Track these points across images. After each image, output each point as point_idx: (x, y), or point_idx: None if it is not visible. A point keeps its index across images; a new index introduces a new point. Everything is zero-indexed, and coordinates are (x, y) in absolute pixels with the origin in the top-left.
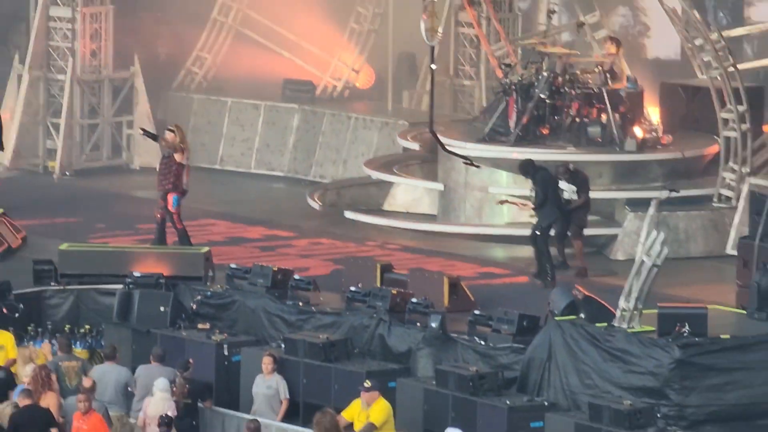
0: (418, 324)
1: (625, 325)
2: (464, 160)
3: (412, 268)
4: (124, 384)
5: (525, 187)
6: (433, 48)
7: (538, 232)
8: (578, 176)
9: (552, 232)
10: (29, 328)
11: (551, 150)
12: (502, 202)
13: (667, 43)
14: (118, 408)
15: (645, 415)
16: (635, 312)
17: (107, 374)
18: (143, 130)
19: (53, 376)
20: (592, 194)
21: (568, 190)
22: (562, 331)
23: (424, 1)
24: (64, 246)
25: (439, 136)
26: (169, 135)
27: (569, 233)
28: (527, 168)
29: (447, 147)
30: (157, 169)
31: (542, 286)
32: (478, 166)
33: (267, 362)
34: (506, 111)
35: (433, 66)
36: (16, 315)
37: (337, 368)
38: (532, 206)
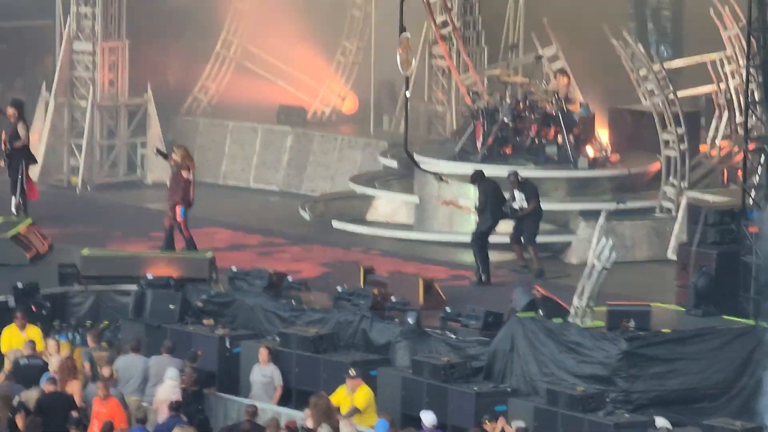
0: (397, 320)
1: (578, 321)
2: (435, 176)
3: (392, 271)
4: (147, 373)
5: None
6: (407, 78)
7: (475, 236)
8: (527, 186)
9: (491, 238)
10: (55, 323)
11: (513, 167)
12: (446, 203)
13: (615, 73)
14: (138, 393)
15: (596, 399)
16: (587, 309)
17: (133, 364)
18: (157, 149)
19: (79, 365)
20: (550, 206)
21: (518, 198)
22: (523, 326)
23: (399, 37)
24: (85, 251)
25: (414, 154)
26: (174, 154)
27: (523, 240)
28: (475, 177)
29: (420, 165)
30: (168, 184)
31: (475, 283)
32: (447, 182)
33: (263, 353)
34: (474, 133)
35: (407, 93)
36: (44, 312)
37: (326, 359)
38: (473, 211)
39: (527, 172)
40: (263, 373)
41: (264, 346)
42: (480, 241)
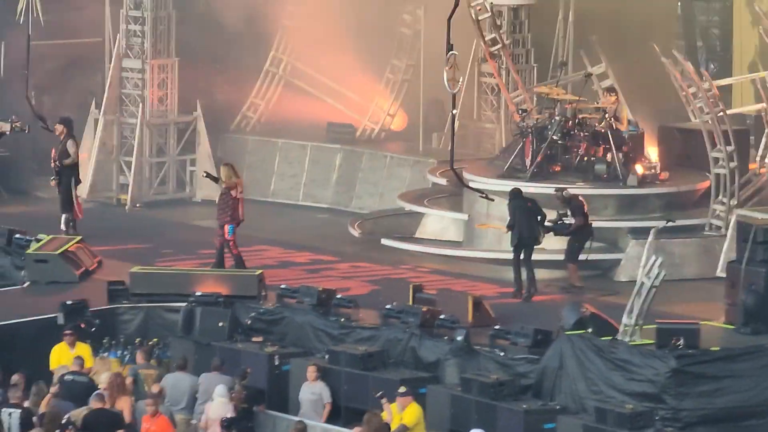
0: (446, 338)
1: (627, 339)
2: (480, 194)
3: (441, 288)
4: (195, 391)
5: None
6: (454, 96)
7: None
8: (572, 203)
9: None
10: (104, 341)
11: (562, 185)
12: (480, 226)
13: (664, 91)
14: (187, 411)
15: (644, 417)
16: (636, 327)
17: (181, 382)
18: (206, 173)
19: (127, 382)
20: (599, 224)
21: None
22: (572, 343)
23: (447, 55)
24: (134, 269)
25: (462, 172)
26: (222, 174)
27: (564, 256)
28: (510, 195)
29: (467, 183)
30: (217, 203)
31: (514, 296)
32: (492, 200)
33: (311, 371)
34: (523, 150)
35: (454, 111)
36: (93, 329)
37: (375, 376)
38: (506, 230)
39: (576, 189)
40: (312, 391)
41: (312, 363)
42: (514, 257)
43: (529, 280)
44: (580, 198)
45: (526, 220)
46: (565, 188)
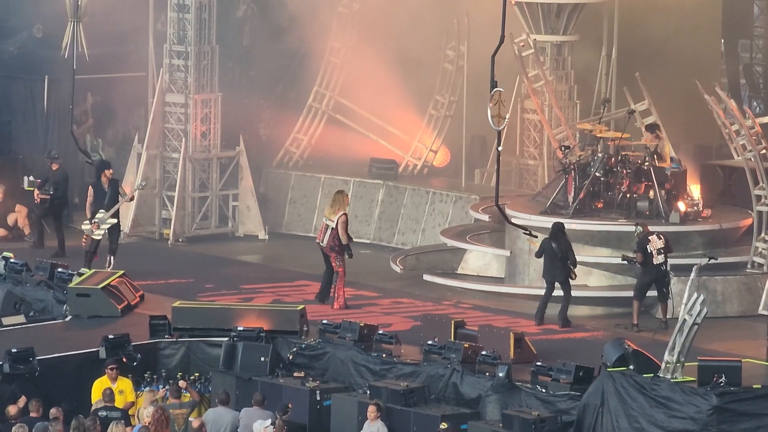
0: (487, 374)
1: (669, 376)
2: (524, 232)
3: (482, 324)
4: (236, 426)
5: (582, 254)
6: (499, 132)
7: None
8: (639, 238)
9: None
10: (146, 375)
11: (605, 222)
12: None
13: (707, 128)
14: None
15: None
16: (678, 364)
17: (222, 417)
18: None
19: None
20: None
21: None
22: (614, 380)
23: (491, 91)
24: (177, 303)
25: (505, 208)
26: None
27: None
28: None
29: (510, 219)
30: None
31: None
32: (535, 236)
33: (372, 410)
34: (566, 187)
35: (500, 148)
36: (135, 364)
37: (416, 412)
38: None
39: (618, 227)
40: (370, 430)
41: (374, 402)
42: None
43: (558, 313)
44: (653, 236)
45: (549, 261)
46: (642, 223)
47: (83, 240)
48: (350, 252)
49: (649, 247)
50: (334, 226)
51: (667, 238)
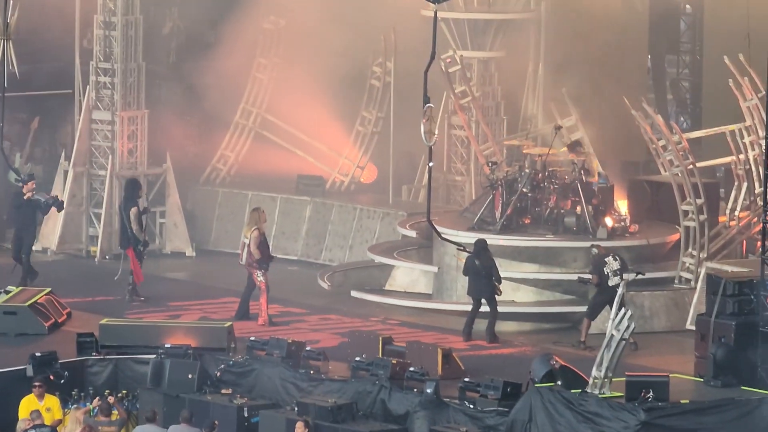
0: (415, 390)
1: (597, 391)
2: (457, 247)
3: (410, 340)
4: None
5: (510, 270)
6: (430, 148)
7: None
8: (594, 260)
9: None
10: (73, 392)
11: (532, 237)
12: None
13: (634, 144)
14: None
15: None
16: (606, 380)
17: None
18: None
19: None
20: (567, 276)
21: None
22: (542, 396)
23: (424, 107)
24: (104, 321)
25: (435, 225)
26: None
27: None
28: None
29: (442, 235)
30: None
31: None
32: (469, 252)
33: (299, 427)
34: (493, 203)
35: (431, 164)
36: (62, 381)
37: (344, 428)
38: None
39: (546, 242)
40: None
41: (302, 419)
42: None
43: (486, 329)
44: (609, 257)
45: (473, 278)
46: (597, 245)
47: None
48: (264, 265)
49: (606, 269)
50: (249, 243)
51: (623, 259)
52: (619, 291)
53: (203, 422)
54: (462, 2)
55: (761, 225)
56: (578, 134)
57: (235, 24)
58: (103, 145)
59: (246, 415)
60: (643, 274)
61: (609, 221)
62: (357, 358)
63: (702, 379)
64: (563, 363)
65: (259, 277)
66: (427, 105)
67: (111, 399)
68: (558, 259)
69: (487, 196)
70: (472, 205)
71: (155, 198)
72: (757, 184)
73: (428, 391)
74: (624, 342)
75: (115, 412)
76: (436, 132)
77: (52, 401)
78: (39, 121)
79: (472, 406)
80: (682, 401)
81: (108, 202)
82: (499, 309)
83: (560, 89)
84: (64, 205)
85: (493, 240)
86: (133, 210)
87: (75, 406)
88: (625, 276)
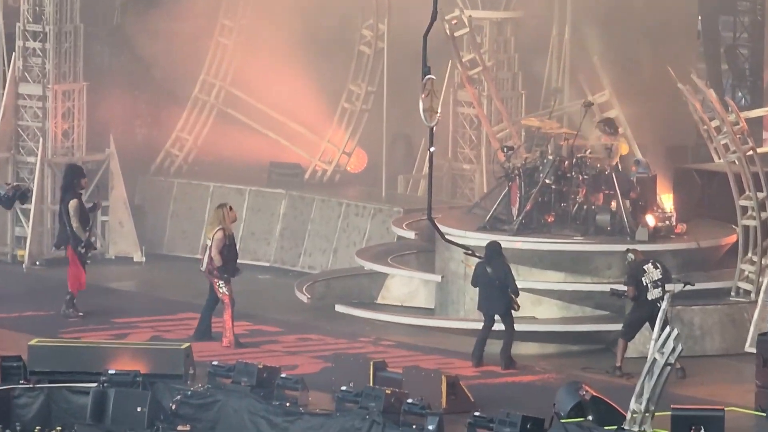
0: (414, 426)
1: (636, 429)
2: (465, 251)
3: (407, 366)
4: None
5: (530, 279)
6: (432, 129)
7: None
8: (630, 267)
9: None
10: None
11: (557, 239)
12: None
13: (681, 125)
14: None
15: None
16: (647, 414)
17: None
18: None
19: None
20: (601, 287)
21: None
22: None
23: (423, 80)
24: (34, 341)
25: (437, 224)
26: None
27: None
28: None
29: (446, 236)
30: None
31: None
32: (480, 257)
33: None
34: (509, 197)
35: (432, 149)
36: None
37: None
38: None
39: (573, 245)
40: None
41: None
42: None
43: (500, 352)
44: (648, 264)
45: (485, 290)
46: (634, 249)
47: None
48: (227, 274)
49: (645, 279)
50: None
51: (666, 266)
52: (662, 306)
53: None
54: None
55: None
56: (613, 112)
57: None
58: (32, 125)
59: None
60: (692, 285)
61: (651, 219)
62: (343, 388)
63: (764, 414)
64: (595, 393)
65: (222, 288)
66: (428, 77)
67: None
68: (588, 267)
69: (502, 188)
70: (483, 200)
71: (95, 191)
72: None
73: (430, 427)
74: (669, 368)
75: None
76: (439, 110)
77: None
78: None
79: None
80: None
81: (39, 195)
82: (517, 327)
83: (591, 57)
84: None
85: (509, 243)
86: (73, 202)
87: None
88: (668, 287)
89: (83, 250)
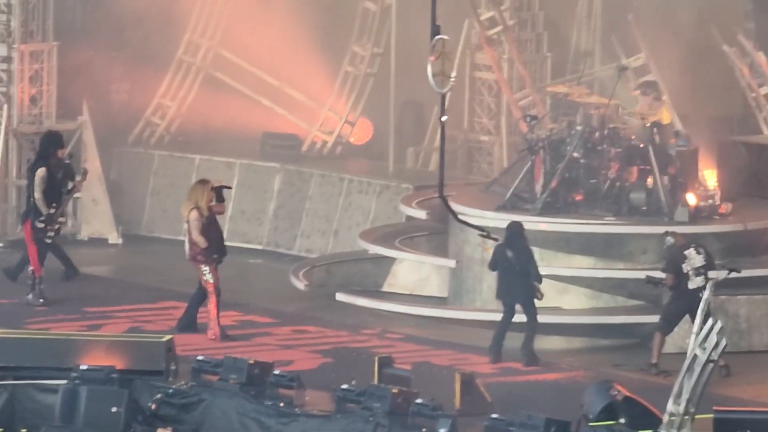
0: (424, 429)
1: None
2: (480, 233)
3: (417, 362)
4: None
5: (555, 265)
6: (444, 96)
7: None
8: (670, 251)
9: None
10: None
11: (585, 220)
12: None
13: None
14: None
15: None
16: (686, 417)
17: None
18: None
19: None
20: (636, 274)
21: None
22: None
23: (432, 41)
24: None
25: (450, 202)
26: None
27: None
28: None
29: (459, 216)
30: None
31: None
32: (496, 239)
33: None
34: (532, 173)
35: (444, 118)
36: None
37: None
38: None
39: (605, 227)
40: None
41: None
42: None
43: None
44: (690, 249)
45: (504, 276)
46: (673, 231)
47: None
48: (217, 254)
49: (685, 266)
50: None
51: (709, 251)
52: (704, 296)
53: None
54: None
55: None
56: (650, 77)
57: None
58: None
59: None
60: (738, 272)
61: (692, 198)
62: (344, 386)
63: None
64: (627, 393)
65: (206, 274)
66: (438, 37)
67: None
68: (621, 251)
69: (524, 163)
70: (502, 176)
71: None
72: None
73: (441, 431)
74: (711, 365)
75: None
76: (453, 75)
77: None
78: None
79: None
80: None
81: (2, 169)
82: (540, 319)
83: (625, 15)
84: None
85: (532, 224)
86: (41, 170)
87: None
88: (712, 275)
89: (41, 225)
